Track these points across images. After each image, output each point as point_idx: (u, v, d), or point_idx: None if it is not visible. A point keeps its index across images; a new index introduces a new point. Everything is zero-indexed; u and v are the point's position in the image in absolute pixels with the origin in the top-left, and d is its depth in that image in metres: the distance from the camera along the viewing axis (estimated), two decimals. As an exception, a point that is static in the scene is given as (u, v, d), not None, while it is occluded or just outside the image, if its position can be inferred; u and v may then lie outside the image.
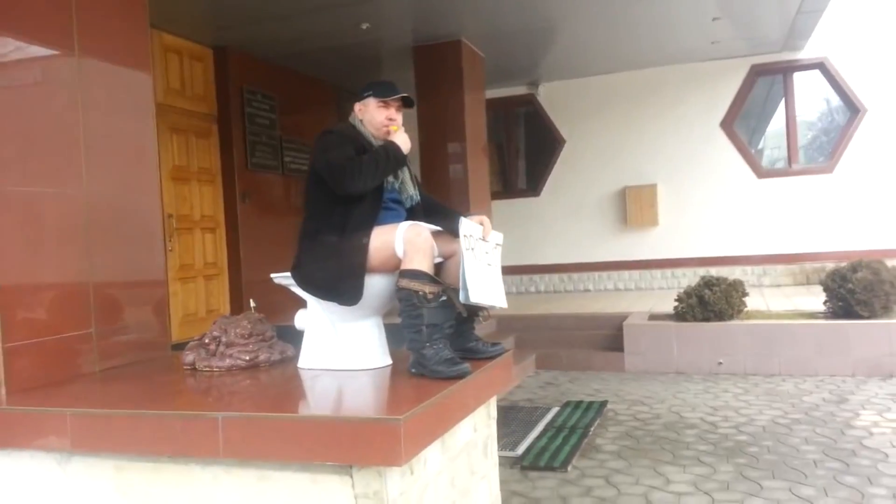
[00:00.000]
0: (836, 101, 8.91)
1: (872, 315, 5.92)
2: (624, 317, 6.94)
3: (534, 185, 10.16)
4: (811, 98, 9.14)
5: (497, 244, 2.74)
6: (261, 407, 2.21)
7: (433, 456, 2.25)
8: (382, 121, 2.67)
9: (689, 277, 8.62)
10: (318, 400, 2.45)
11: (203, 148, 7.52)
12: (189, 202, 7.28)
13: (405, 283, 2.38)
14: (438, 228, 2.62)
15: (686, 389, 5.72)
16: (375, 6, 6.55)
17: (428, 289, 2.36)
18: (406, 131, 2.68)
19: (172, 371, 2.91)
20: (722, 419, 4.83)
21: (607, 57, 8.87)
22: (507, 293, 9.41)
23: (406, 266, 2.39)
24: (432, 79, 7.72)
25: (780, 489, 3.57)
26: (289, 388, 2.52)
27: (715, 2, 6.98)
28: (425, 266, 2.39)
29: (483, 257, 2.60)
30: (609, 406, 5.31)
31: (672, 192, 9.36)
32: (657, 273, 9.47)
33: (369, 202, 2.54)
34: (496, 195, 10.14)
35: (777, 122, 9.26)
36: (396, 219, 2.60)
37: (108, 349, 3.00)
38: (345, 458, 1.95)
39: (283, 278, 2.71)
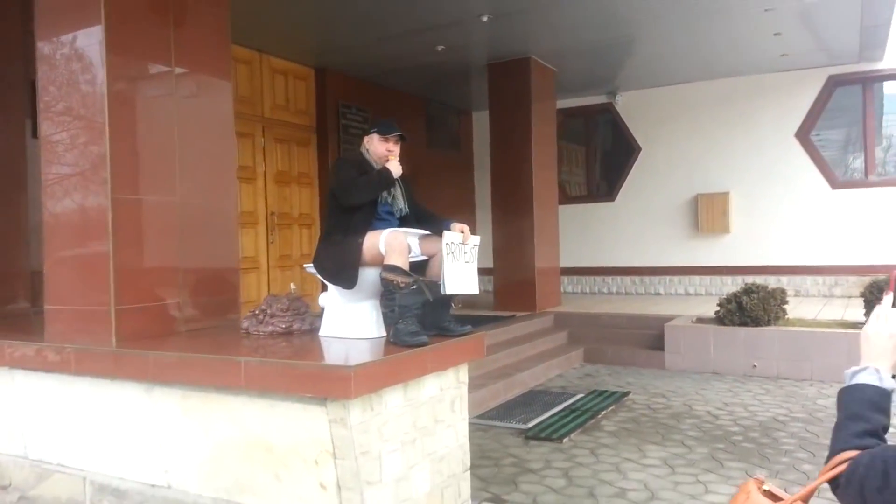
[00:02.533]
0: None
1: (907, 327, 6.06)
2: (671, 319, 7.39)
3: (610, 191, 10.64)
4: (892, 108, 9.05)
5: (475, 245, 3.50)
6: (272, 356, 3.11)
7: (394, 400, 3.06)
8: (383, 152, 3.52)
9: (759, 285, 8.83)
10: (315, 354, 3.32)
11: (303, 155, 8.68)
12: (289, 202, 8.46)
13: (384, 274, 3.20)
14: (426, 233, 3.43)
15: (712, 387, 6.16)
16: (447, 32, 7.39)
17: (400, 279, 3.18)
18: (400, 160, 3.51)
19: (233, 333, 3.89)
20: (727, 413, 5.30)
21: (681, 68, 9.22)
22: (581, 293, 10.11)
23: (386, 262, 3.22)
24: (503, 93, 8.48)
25: (738, 469, 4.09)
26: (303, 347, 3.42)
27: (775, 18, 7.25)
28: (400, 262, 3.20)
29: (462, 257, 3.38)
30: (630, 396, 5.88)
31: (745, 200, 9.56)
32: (728, 279, 9.69)
33: (365, 213, 3.40)
34: (575, 199, 10.75)
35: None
36: (388, 226, 3.44)
37: (191, 316, 4.03)
38: (318, 392, 2.81)
39: (310, 267, 3.61)
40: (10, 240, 5.57)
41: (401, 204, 3.55)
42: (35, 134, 5.63)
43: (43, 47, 3.97)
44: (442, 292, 3.28)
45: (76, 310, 3.78)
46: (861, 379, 1.38)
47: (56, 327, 3.85)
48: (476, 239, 3.53)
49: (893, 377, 1.40)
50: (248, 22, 6.57)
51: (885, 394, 1.36)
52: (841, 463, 1.29)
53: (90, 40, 3.76)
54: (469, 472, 3.55)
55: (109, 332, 3.61)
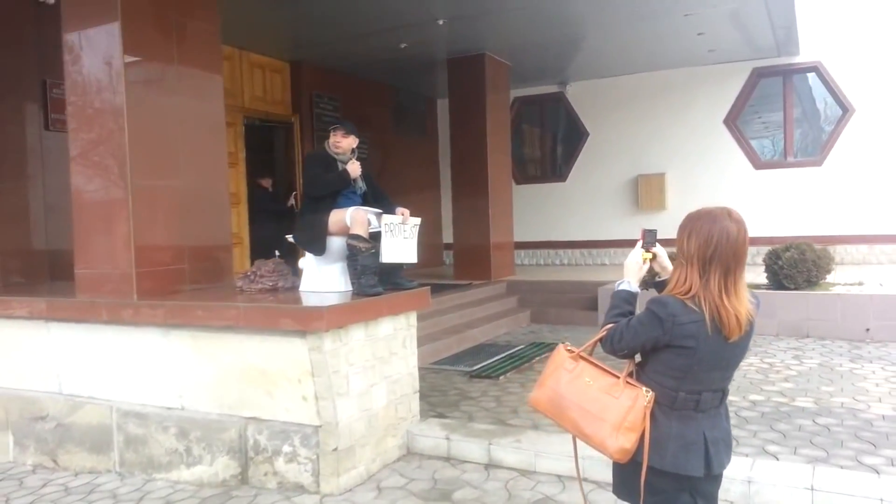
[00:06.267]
0: (829, 101, 9.91)
1: (797, 287, 7.21)
2: (606, 284, 8.45)
3: (562, 172, 11.68)
4: (808, 97, 10.17)
5: (415, 225, 4.48)
6: (263, 302, 4.09)
7: (357, 335, 4.06)
8: (332, 142, 4.50)
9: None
10: (297, 302, 4.29)
11: (280, 141, 9.59)
12: (270, 183, 9.37)
13: (350, 241, 4.19)
14: (381, 211, 4.41)
15: (634, 340, 7.24)
16: (408, 32, 8.30)
17: (361, 245, 4.16)
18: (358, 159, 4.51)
19: (230, 290, 4.84)
20: (639, 358, 6.38)
21: (624, 61, 10.24)
22: (536, 265, 11.34)
23: (351, 231, 4.20)
24: (461, 85, 9.44)
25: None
26: (287, 298, 4.39)
27: (696, 22, 8.27)
28: (362, 232, 4.19)
29: (400, 234, 4.36)
30: (563, 347, 6.94)
31: (679, 180, 10.66)
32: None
33: (329, 198, 4.38)
34: (530, 179, 11.78)
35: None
36: (353, 204, 4.42)
37: (195, 278, 4.97)
38: (301, 327, 3.79)
39: (291, 237, 4.58)
40: (27, 220, 6.43)
41: (360, 183, 4.52)
42: (47, 126, 6.52)
43: (68, 39, 4.68)
44: (380, 260, 4.26)
45: (103, 273, 4.69)
46: (621, 287, 2.40)
47: (86, 287, 4.76)
48: (416, 220, 4.52)
49: (642, 288, 2.41)
50: (229, 22, 7.37)
51: (633, 294, 2.37)
52: (605, 330, 2.31)
53: (109, 37, 4.49)
54: (418, 393, 4.56)
55: (132, 290, 4.54)
